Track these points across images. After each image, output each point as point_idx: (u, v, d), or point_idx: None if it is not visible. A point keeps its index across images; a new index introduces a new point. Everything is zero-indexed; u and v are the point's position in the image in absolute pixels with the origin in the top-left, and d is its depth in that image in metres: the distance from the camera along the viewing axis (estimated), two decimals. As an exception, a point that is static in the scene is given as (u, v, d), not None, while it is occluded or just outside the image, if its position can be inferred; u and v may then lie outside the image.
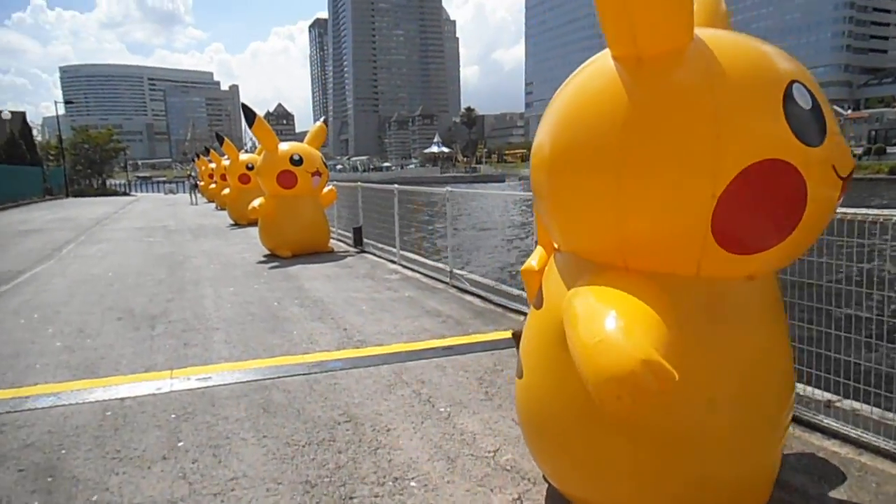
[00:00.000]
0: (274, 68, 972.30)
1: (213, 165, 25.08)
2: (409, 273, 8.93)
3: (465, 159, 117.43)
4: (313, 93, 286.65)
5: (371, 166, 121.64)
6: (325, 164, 11.00)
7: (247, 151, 20.19)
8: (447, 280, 8.03)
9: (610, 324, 1.93)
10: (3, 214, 24.51)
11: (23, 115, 44.30)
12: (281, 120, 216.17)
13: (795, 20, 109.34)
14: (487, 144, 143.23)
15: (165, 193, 45.69)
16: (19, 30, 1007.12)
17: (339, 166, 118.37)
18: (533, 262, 3.31)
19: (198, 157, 33.31)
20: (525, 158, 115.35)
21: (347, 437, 3.47)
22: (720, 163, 1.95)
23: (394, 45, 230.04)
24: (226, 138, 18.63)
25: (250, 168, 17.02)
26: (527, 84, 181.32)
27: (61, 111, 43.65)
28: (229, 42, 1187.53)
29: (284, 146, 10.57)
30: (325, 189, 11.24)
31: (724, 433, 2.22)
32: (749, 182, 1.95)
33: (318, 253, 10.89)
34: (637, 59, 2.09)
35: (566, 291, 2.39)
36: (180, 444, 3.42)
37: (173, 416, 3.82)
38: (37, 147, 44.11)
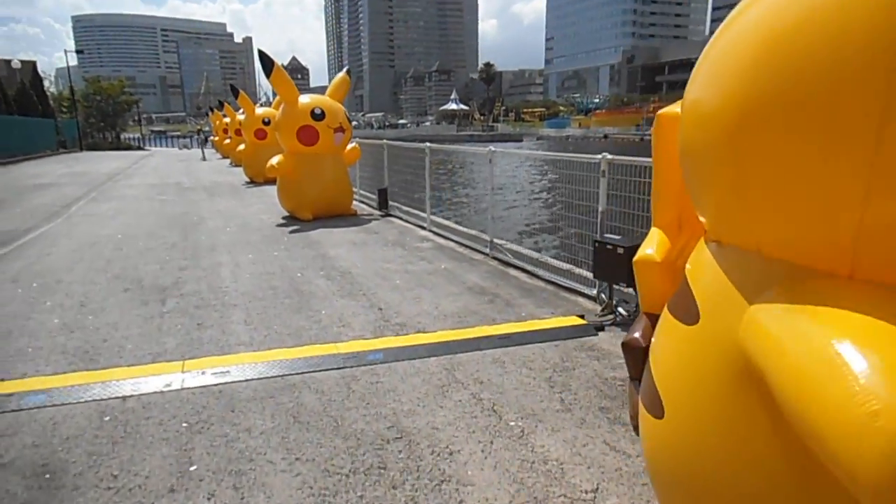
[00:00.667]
0: (288, 20, 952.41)
1: (227, 120, 24.23)
2: (442, 241, 8.16)
3: (481, 117, 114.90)
4: (328, 46, 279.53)
5: (386, 123, 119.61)
6: (348, 118, 10.15)
7: (262, 105, 19.31)
8: (486, 251, 7.26)
9: (875, 377, 1.17)
10: (16, 167, 23.92)
11: (33, 64, 43.27)
12: (295, 74, 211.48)
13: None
14: (505, 102, 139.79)
15: (180, 148, 45.17)
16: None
17: (353, 122, 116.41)
18: (650, 250, 2.53)
19: (212, 111, 32.47)
20: (543, 118, 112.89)
21: (401, 462, 2.77)
22: None
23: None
24: (241, 91, 17.75)
25: (267, 123, 16.24)
26: (547, 40, 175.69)
27: (73, 61, 42.57)
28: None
29: (305, 99, 9.70)
30: (349, 146, 10.41)
31: None
32: None
33: (340, 216, 10.15)
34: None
35: (744, 303, 1.63)
36: (193, 468, 2.73)
37: (184, 424, 3.14)
38: (49, 98, 43.21)
